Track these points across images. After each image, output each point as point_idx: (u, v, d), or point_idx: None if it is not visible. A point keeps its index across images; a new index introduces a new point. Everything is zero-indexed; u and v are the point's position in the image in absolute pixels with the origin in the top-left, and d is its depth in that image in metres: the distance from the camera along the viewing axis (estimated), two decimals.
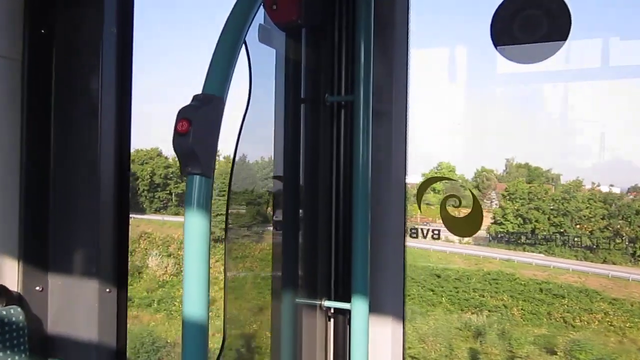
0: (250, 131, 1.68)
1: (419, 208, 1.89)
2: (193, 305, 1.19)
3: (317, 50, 1.82)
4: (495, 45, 1.80)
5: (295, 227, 1.86)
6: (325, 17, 1.80)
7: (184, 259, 1.19)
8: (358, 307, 1.75)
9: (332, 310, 1.89)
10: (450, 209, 1.89)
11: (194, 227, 1.18)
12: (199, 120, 1.15)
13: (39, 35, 2.28)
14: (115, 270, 2.30)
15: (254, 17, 1.30)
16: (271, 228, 1.86)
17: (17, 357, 2.10)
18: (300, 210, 1.86)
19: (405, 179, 1.84)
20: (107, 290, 2.26)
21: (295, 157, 1.84)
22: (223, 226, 1.62)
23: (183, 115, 1.15)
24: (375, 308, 1.79)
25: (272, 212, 1.85)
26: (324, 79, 1.82)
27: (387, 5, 1.77)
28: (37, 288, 2.28)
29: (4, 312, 2.10)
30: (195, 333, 1.19)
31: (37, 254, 2.28)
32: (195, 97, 1.19)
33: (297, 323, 1.86)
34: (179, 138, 1.15)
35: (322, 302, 1.85)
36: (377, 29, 1.74)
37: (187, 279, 1.19)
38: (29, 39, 2.27)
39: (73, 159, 2.28)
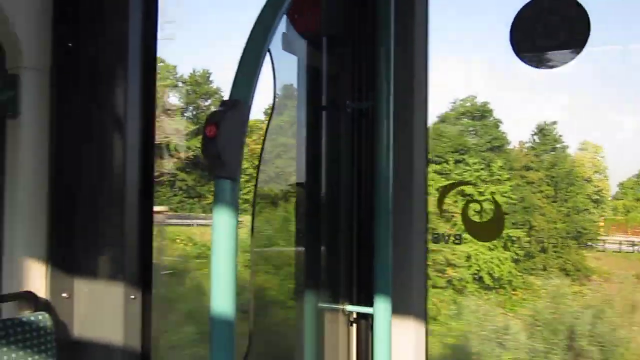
0: (273, 137, 1.71)
1: (440, 212, 1.89)
2: (221, 306, 1.21)
3: (338, 57, 1.85)
4: (516, 52, 1.81)
5: (317, 233, 1.88)
6: (345, 25, 1.84)
7: (211, 259, 1.22)
8: (381, 311, 1.75)
9: (354, 315, 1.90)
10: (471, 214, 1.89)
11: (221, 228, 1.20)
12: (226, 125, 1.18)
13: (65, 48, 2.35)
14: (140, 277, 2.33)
15: (278, 25, 1.34)
16: (294, 233, 1.88)
17: None
18: (322, 216, 1.88)
19: (426, 183, 1.85)
20: (132, 296, 2.29)
21: (316, 163, 1.87)
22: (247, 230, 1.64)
23: (211, 120, 1.19)
24: (397, 313, 1.79)
25: (294, 218, 1.87)
26: (345, 86, 1.85)
27: (407, 12, 1.80)
28: (64, 295, 2.33)
29: (33, 318, 2.15)
30: (223, 335, 1.21)
31: (64, 262, 2.33)
32: (223, 103, 1.22)
33: (320, 327, 1.87)
34: (207, 142, 1.18)
35: (345, 307, 1.86)
36: (397, 35, 1.77)
37: (214, 279, 1.22)
38: (56, 51, 2.34)
39: (99, 167, 2.33)
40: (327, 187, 1.89)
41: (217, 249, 1.21)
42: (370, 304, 1.81)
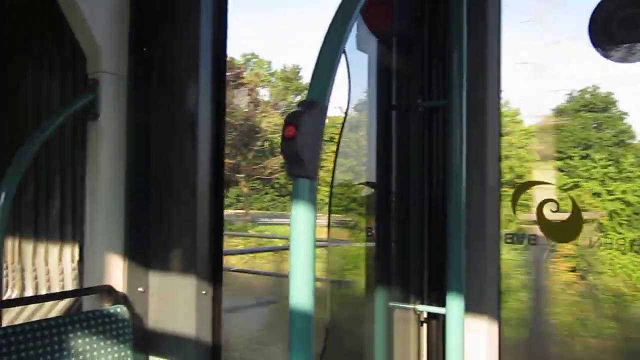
0: (346, 136, 1.72)
1: (514, 211, 1.85)
2: (300, 302, 1.23)
3: (408, 56, 1.84)
4: (595, 45, 1.74)
5: (388, 232, 1.88)
6: (417, 23, 1.82)
7: (290, 257, 1.25)
8: (453, 312, 1.73)
9: (424, 315, 1.88)
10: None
11: (300, 226, 1.23)
12: (304, 125, 1.20)
13: (141, 53, 2.45)
14: (211, 273, 2.40)
15: (353, 26, 1.35)
16: (365, 232, 1.89)
17: (122, 353, 2.25)
18: (393, 215, 1.88)
19: (499, 182, 1.81)
20: (203, 292, 2.36)
21: (387, 162, 1.87)
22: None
23: (290, 120, 1.21)
24: (469, 314, 1.77)
25: (365, 217, 1.88)
26: (416, 84, 1.84)
27: (479, 10, 1.77)
28: (140, 289, 2.43)
29: (112, 311, 2.26)
30: (302, 331, 1.24)
31: (140, 258, 2.44)
32: (301, 104, 1.24)
33: (390, 326, 1.87)
34: (286, 143, 1.21)
35: (416, 306, 1.85)
36: (469, 32, 1.74)
37: (293, 276, 1.24)
38: (133, 56, 2.45)
39: (172, 167, 2.42)
40: (397, 185, 1.88)
41: (296, 247, 1.23)
42: (441, 304, 1.79)
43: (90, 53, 2.36)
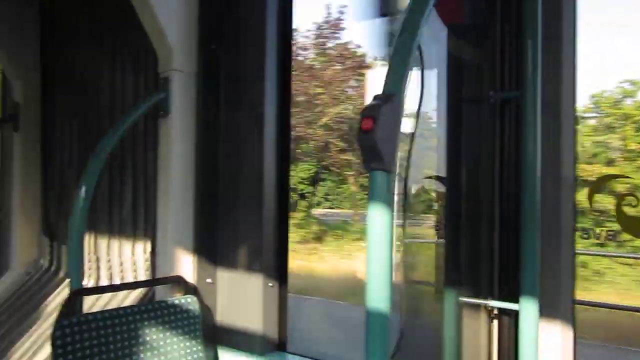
0: (419, 130, 1.71)
1: (590, 205, 1.78)
2: (376, 297, 1.24)
3: (479, 47, 1.81)
4: None
5: (458, 226, 1.85)
6: (489, 12, 1.79)
7: (367, 251, 1.25)
8: (527, 308, 1.69)
9: (495, 311, 1.85)
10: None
11: (377, 220, 1.23)
12: (381, 118, 1.20)
13: (210, 51, 2.52)
14: (277, 266, 2.45)
15: (428, 17, 1.34)
16: (434, 226, 1.87)
17: (192, 342, 2.32)
18: (464, 209, 1.85)
19: (574, 176, 1.75)
20: (270, 284, 2.41)
21: (457, 155, 1.84)
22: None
23: (367, 113, 1.22)
24: (543, 310, 1.72)
25: (435, 210, 1.86)
26: (488, 75, 1.80)
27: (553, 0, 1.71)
28: (208, 280, 2.50)
29: (182, 301, 2.34)
30: (377, 326, 1.24)
31: (208, 250, 2.51)
32: (377, 96, 1.24)
33: (460, 322, 1.85)
34: (363, 135, 1.21)
35: (487, 302, 1.82)
36: (544, 22, 1.69)
37: (370, 271, 1.25)
38: (201, 54, 2.52)
39: (239, 163, 2.48)
40: (468, 179, 1.85)
41: (373, 241, 1.24)
42: (514, 299, 1.75)
43: (162, 52, 2.44)
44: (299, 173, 21.04)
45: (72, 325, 1.98)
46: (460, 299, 1.83)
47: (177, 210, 2.45)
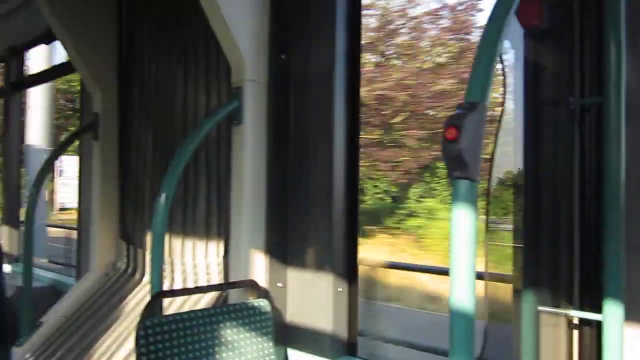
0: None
1: None
2: (460, 303, 1.24)
3: (560, 51, 1.77)
4: None
5: (536, 231, 1.82)
6: (569, 16, 1.75)
7: (451, 258, 1.26)
8: (612, 318, 1.64)
9: (575, 321, 1.80)
10: None
11: (461, 228, 1.24)
12: (466, 127, 1.21)
13: (280, 61, 2.59)
14: (347, 271, 2.48)
15: (510, 23, 1.33)
16: (512, 232, 1.85)
17: (264, 344, 2.39)
18: (542, 216, 1.82)
19: None
20: (340, 289, 2.44)
21: (535, 159, 1.81)
22: None
23: (451, 122, 1.23)
24: (628, 321, 1.66)
25: (513, 215, 1.84)
26: (567, 80, 1.76)
27: (637, 1, 1.65)
28: (279, 284, 2.56)
29: (255, 304, 2.41)
30: (462, 332, 1.25)
31: (279, 255, 2.57)
32: (461, 106, 1.25)
33: (537, 332, 1.81)
34: (448, 145, 1.22)
35: (568, 312, 1.77)
36: (626, 21, 1.64)
37: (454, 277, 1.25)
38: (272, 64, 2.59)
39: (308, 169, 2.53)
40: (547, 184, 1.81)
41: (457, 248, 1.24)
42: (596, 309, 1.70)
43: (234, 62, 2.53)
44: None
45: (154, 325, 2.08)
46: (539, 307, 1.80)
47: (250, 215, 2.52)
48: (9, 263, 5.29)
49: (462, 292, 1.25)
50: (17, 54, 5.71)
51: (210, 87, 2.94)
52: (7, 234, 5.57)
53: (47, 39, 5.18)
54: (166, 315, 2.17)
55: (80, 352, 3.12)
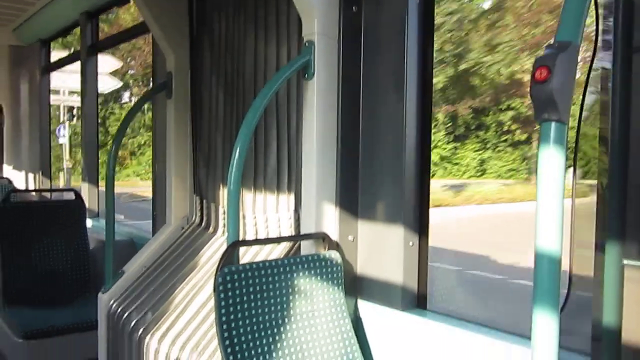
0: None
1: None
2: (546, 248, 1.22)
3: None
4: None
5: (621, 182, 1.74)
6: None
7: (537, 204, 1.23)
8: None
9: None
10: None
11: (549, 172, 1.20)
12: (558, 68, 1.16)
13: (351, 13, 2.55)
14: (417, 225, 2.48)
15: None
16: (597, 185, 1.78)
17: (336, 295, 2.45)
18: (630, 166, 1.73)
19: None
20: (410, 243, 2.45)
21: (625, 109, 1.72)
22: None
23: (541, 62, 1.18)
24: None
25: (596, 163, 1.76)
26: None
27: None
28: (349, 237, 2.60)
29: (327, 255, 2.46)
30: (547, 278, 1.23)
31: (350, 208, 2.60)
32: (550, 45, 1.20)
33: (622, 287, 1.75)
34: (537, 86, 1.18)
35: None
36: None
37: (540, 222, 1.23)
38: (343, 17, 2.56)
39: (380, 122, 2.52)
40: (635, 133, 1.72)
41: (544, 193, 1.22)
42: None
43: (306, 16, 2.52)
44: None
45: (231, 272, 2.18)
46: (624, 261, 1.74)
47: (320, 168, 2.55)
48: (90, 218, 5.64)
49: (549, 239, 1.22)
50: (92, 18, 5.92)
51: (280, 43, 2.95)
52: (87, 190, 5.91)
53: (122, 1, 5.34)
54: (243, 264, 2.26)
55: (160, 298, 3.31)
